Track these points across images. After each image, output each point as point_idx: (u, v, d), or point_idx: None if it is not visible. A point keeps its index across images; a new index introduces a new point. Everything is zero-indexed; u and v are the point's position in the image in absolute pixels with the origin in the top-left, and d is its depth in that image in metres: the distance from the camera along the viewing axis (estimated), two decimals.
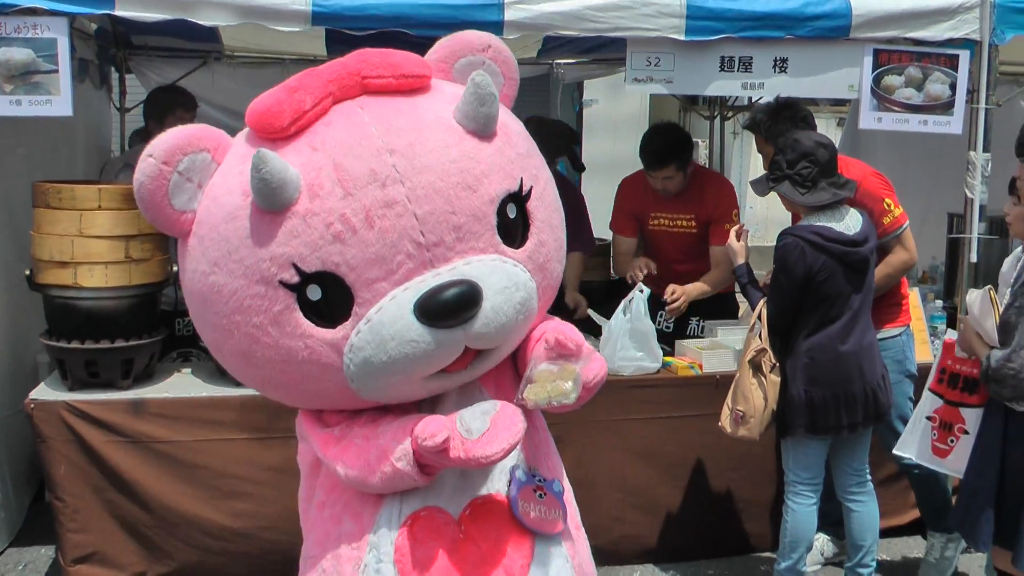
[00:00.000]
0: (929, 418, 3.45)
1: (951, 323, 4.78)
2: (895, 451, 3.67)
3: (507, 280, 2.21)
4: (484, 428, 2.16)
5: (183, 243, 2.27)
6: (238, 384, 3.97)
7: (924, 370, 3.95)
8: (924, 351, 4.57)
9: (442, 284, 2.11)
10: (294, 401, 2.41)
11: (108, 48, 6.17)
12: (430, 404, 2.38)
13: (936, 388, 3.44)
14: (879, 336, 4.03)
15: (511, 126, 2.37)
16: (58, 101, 3.95)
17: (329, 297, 2.13)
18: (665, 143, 4.88)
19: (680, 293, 4.75)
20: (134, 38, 6.32)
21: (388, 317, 2.11)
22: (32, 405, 3.98)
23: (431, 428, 2.14)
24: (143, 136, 5.20)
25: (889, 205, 4.19)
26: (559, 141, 5.58)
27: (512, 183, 2.27)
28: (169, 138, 2.18)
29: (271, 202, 2.07)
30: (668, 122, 5.43)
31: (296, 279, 2.10)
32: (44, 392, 4.11)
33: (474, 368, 2.30)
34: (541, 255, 2.34)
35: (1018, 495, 3.10)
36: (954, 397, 3.40)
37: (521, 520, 2.34)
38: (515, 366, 2.50)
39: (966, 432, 3.40)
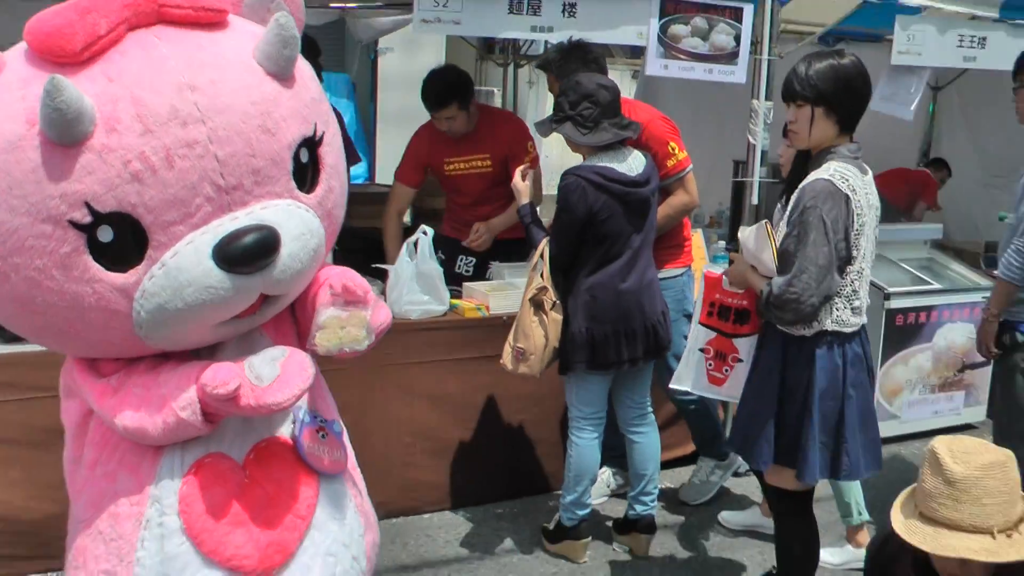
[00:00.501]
0: (702, 350, 3.56)
1: None
2: (671, 385, 3.77)
3: (303, 227, 2.17)
4: (275, 374, 2.13)
5: None
6: (5, 340, 3.74)
7: None
8: None
9: (241, 229, 2.04)
10: (70, 348, 2.27)
11: None
12: (208, 350, 2.30)
13: (708, 322, 3.54)
14: (661, 276, 4.13)
15: (304, 70, 2.30)
16: None
17: (121, 240, 2.00)
18: (444, 83, 4.87)
19: (483, 228, 4.74)
20: None
21: (185, 262, 2.02)
22: None
23: (222, 376, 2.08)
24: None
25: (673, 148, 4.29)
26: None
27: (307, 128, 2.22)
28: None
29: (64, 135, 1.91)
30: (447, 64, 5.42)
31: (88, 219, 1.96)
32: None
33: (263, 313, 2.25)
34: (330, 201, 2.31)
35: (797, 416, 3.25)
36: (727, 328, 3.51)
37: (307, 461, 2.34)
38: (292, 310, 2.46)
39: (740, 360, 3.52)
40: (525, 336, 3.82)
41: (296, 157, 2.19)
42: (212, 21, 2.17)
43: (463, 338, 4.42)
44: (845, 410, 3.24)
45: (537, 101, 10.89)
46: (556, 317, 3.82)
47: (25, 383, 3.72)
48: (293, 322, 2.49)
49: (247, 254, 2.03)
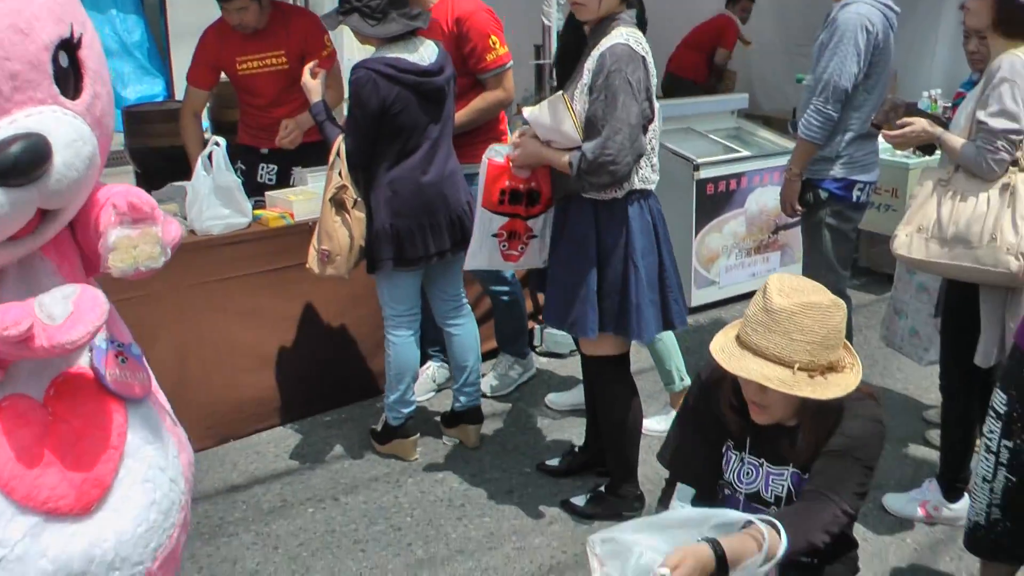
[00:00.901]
0: (495, 235, 3.53)
1: None
2: (465, 267, 3.73)
3: (74, 133, 2.02)
4: (67, 312, 1.99)
5: None
6: None
7: None
8: None
9: (7, 138, 1.87)
10: None
11: None
12: None
13: (501, 209, 3.49)
14: (469, 170, 4.06)
15: None
16: None
17: None
18: None
19: (291, 124, 4.58)
20: None
21: None
22: None
23: (12, 316, 1.93)
24: None
25: (494, 43, 4.19)
26: None
27: (63, 28, 2.05)
28: None
29: None
30: None
31: None
32: None
33: (41, 233, 2.10)
34: (98, 108, 2.15)
35: (620, 278, 3.29)
36: (521, 211, 3.49)
37: (110, 388, 2.24)
38: (73, 234, 2.32)
39: (534, 236, 3.53)
40: (329, 237, 3.72)
41: (55, 61, 2.03)
42: None
43: (271, 248, 4.27)
44: (664, 263, 3.36)
45: None
46: (359, 215, 3.73)
47: None
48: (76, 248, 2.34)
49: (18, 164, 1.88)
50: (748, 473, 2.34)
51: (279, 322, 4.40)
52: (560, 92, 3.34)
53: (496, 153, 3.48)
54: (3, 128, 1.91)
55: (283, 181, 4.80)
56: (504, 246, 3.53)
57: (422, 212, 3.75)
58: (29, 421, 2.13)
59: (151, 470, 2.30)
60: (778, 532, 2.04)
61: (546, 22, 5.00)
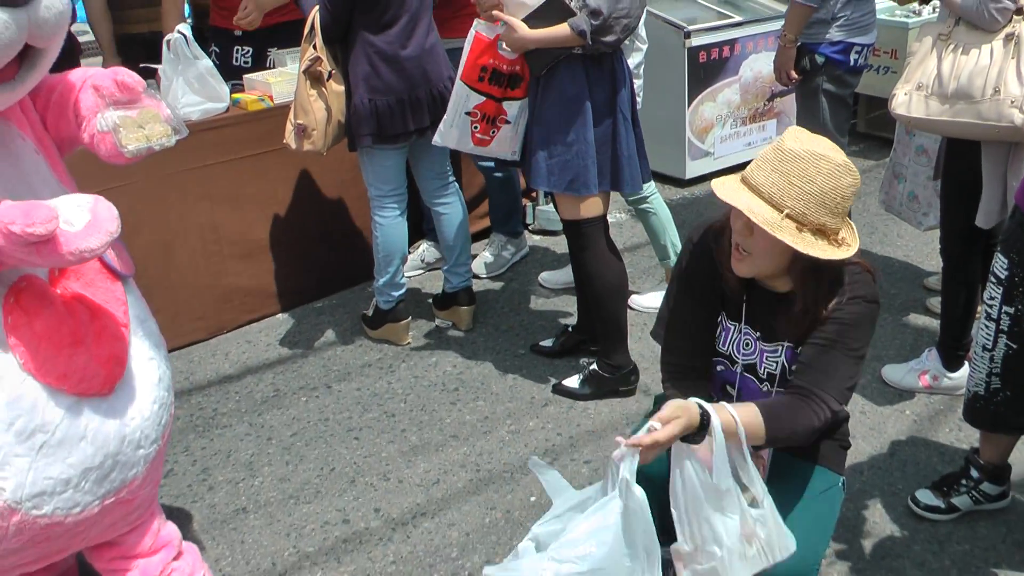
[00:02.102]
0: (469, 113, 3.40)
1: None
2: (433, 142, 3.60)
3: None
4: (86, 220, 1.94)
5: None
6: None
7: None
8: None
9: None
10: None
11: None
12: None
13: (480, 87, 3.36)
14: (452, 45, 3.90)
15: None
16: None
17: None
18: None
19: (250, 4, 4.35)
20: None
21: None
22: None
23: (41, 214, 1.85)
24: None
25: None
26: None
27: None
28: None
29: None
30: None
31: None
32: None
33: (23, 80, 2.05)
34: None
35: (612, 133, 3.27)
36: (497, 93, 3.37)
37: (111, 264, 2.27)
38: (43, 119, 2.26)
39: (507, 122, 3.42)
40: (304, 111, 3.59)
41: None
42: None
43: (252, 133, 4.14)
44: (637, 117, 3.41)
45: None
46: (337, 88, 3.60)
47: None
48: (39, 121, 2.27)
49: None
50: (747, 344, 2.26)
51: (265, 208, 4.30)
52: None
53: (485, 28, 3.33)
54: None
55: (259, 63, 4.62)
56: (476, 127, 3.42)
57: (402, 87, 3.62)
58: (49, 299, 2.10)
59: (152, 347, 2.34)
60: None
61: None
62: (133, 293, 2.36)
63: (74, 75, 2.26)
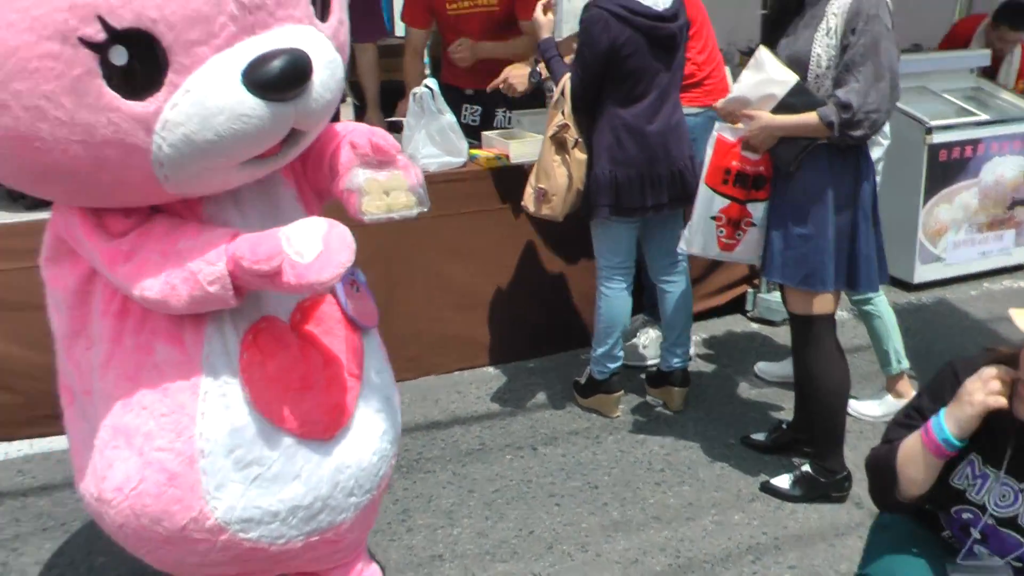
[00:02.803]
0: (715, 218, 3.37)
1: None
2: (678, 249, 3.59)
3: (329, 54, 2.01)
4: (317, 250, 1.96)
5: None
6: (25, 208, 3.72)
7: None
8: None
9: (272, 52, 1.85)
10: (78, 195, 2.03)
11: None
12: (231, 198, 2.15)
13: (724, 190, 3.33)
14: (690, 111, 3.91)
15: None
16: None
17: (137, 62, 1.78)
18: None
19: (466, 42, 4.48)
20: None
21: (214, 88, 1.82)
22: None
23: (263, 250, 1.92)
24: None
25: None
26: None
27: None
28: None
29: None
30: None
31: (102, 36, 1.73)
32: None
33: (286, 154, 2.09)
34: (342, 34, 2.14)
35: (852, 228, 3.18)
36: (742, 195, 3.33)
37: (352, 316, 2.29)
38: (302, 165, 2.34)
39: (753, 224, 3.35)
40: (547, 175, 3.64)
41: None
42: None
43: (485, 189, 4.25)
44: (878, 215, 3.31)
45: None
46: (580, 156, 3.63)
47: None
48: (301, 167, 2.35)
49: (283, 77, 1.86)
50: (1005, 496, 2.06)
51: (488, 263, 4.38)
52: (759, 47, 3.22)
53: (728, 130, 3.31)
54: (266, 41, 1.89)
55: (487, 122, 4.77)
56: (721, 232, 3.38)
57: (644, 162, 3.63)
58: (285, 343, 2.18)
59: (381, 399, 2.38)
60: None
61: None
62: (373, 344, 2.42)
63: (335, 129, 2.32)
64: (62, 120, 1.80)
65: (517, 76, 4.12)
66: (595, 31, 3.50)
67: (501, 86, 4.15)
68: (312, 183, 2.35)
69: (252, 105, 1.85)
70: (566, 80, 3.63)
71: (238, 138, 1.88)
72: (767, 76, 3.15)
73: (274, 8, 1.91)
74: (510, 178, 4.18)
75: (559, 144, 3.62)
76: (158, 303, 2.02)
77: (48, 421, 3.73)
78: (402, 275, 4.15)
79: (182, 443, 2.08)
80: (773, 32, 3.38)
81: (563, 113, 3.61)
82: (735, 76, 4.67)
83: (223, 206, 2.16)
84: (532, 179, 3.73)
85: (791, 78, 3.10)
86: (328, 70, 1.99)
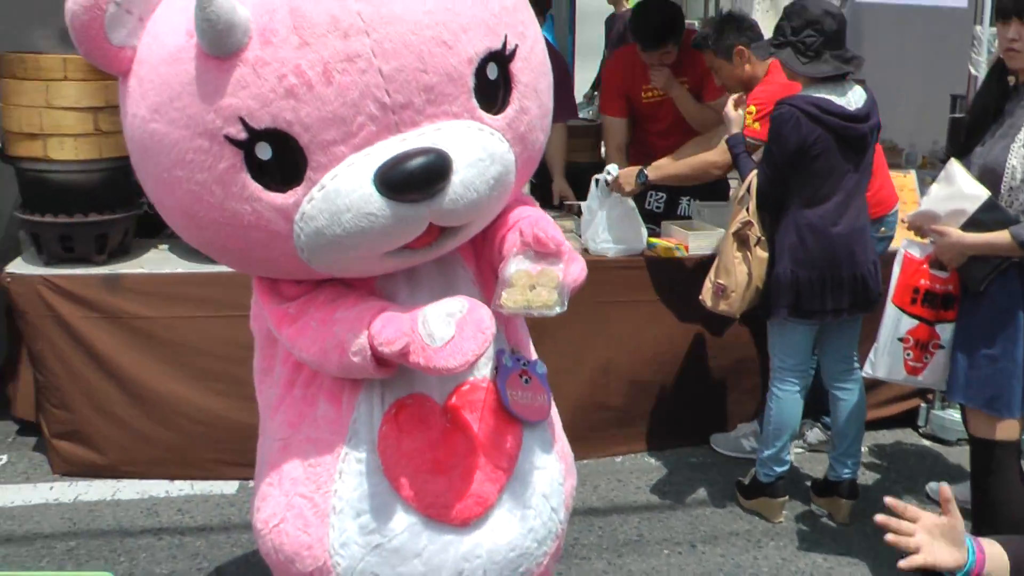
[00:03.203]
0: (901, 339, 3.28)
1: None
2: (863, 372, 3.50)
3: (482, 151, 1.97)
4: (448, 335, 1.96)
5: (123, 83, 2.02)
6: (214, 261, 3.87)
7: None
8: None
9: (407, 152, 1.87)
10: (242, 266, 2.21)
11: None
12: (405, 274, 2.20)
13: (913, 310, 3.26)
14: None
15: None
16: None
17: (280, 158, 1.90)
18: (661, 21, 4.56)
19: (663, 75, 4.54)
20: None
21: (344, 186, 1.88)
22: (8, 278, 3.90)
23: (388, 333, 1.96)
24: None
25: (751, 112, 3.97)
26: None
27: (495, 40, 2.00)
28: None
29: (217, 46, 1.82)
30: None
31: (243, 135, 1.87)
32: (20, 266, 4.01)
33: (440, 246, 2.09)
34: (523, 123, 2.09)
35: None
36: (931, 316, 3.24)
37: (510, 409, 2.23)
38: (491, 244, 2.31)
39: (941, 347, 3.26)
40: (727, 272, 3.62)
41: (480, 73, 1.98)
42: None
43: (660, 278, 4.24)
44: None
45: None
46: (761, 255, 3.60)
47: (226, 301, 3.86)
48: (494, 250, 2.30)
49: (411, 180, 1.86)
50: None
51: (657, 351, 4.34)
52: (951, 160, 3.13)
53: (916, 247, 3.23)
54: (409, 141, 1.90)
55: (670, 210, 4.77)
56: (908, 355, 3.30)
57: (827, 264, 3.56)
58: (428, 425, 2.17)
59: (534, 496, 2.30)
60: None
61: (972, 71, 4.61)
62: (540, 438, 2.34)
63: (515, 211, 2.28)
64: (213, 205, 1.95)
65: (625, 177, 4.10)
66: (786, 130, 3.47)
67: (610, 184, 4.13)
68: (485, 259, 2.34)
69: (379, 205, 1.88)
70: (752, 177, 3.62)
71: (365, 235, 1.91)
72: (957, 190, 3.05)
73: (423, 106, 1.91)
74: (686, 269, 4.18)
75: (741, 241, 3.61)
76: (314, 364, 2.12)
77: (209, 465, 4.03)
78: (570, 358, 4.16)
79: (320, 496, 2.16)
80: (968, 138, 3.31)
81: (747, 210, 3.60)
82: (921, 183, 4.61)
83: (395, 280, 2.20)
84: (712, 274, 3.71)
85: (982, 193, 3.01)
86: (475, 169, 1.95)
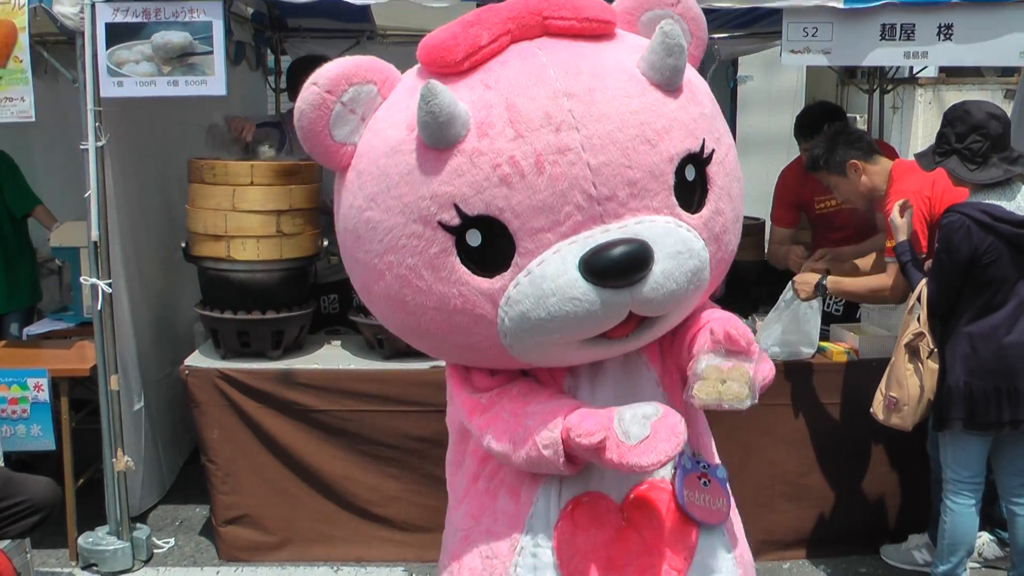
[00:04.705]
0: None
1: None
2: None
3: (681, 245, 2.08)
4: (643, 435, 2.03)
5: (340, 177, 2.22)
6: (384, 358, 4.16)
7: None
8: None
9: (611, 241, 2.00)
10: (440, 352, 2.35)
11: (264, 31, 6.29)
12: (589, 372, 2.28)
13: None
14: None
15: (697, 84, 2.24)
16: (213, 81, 4.03)
17: (489, 244, 2.03)
18: (822, 113, 4.74)
19: (829, 254, 4.54)
20: (289, 20, 6.42)
21: (551, 271, 2.01)
22: (187, 371, 4.17)
23: (587, 426, 2.04)
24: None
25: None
26: None
27: (694, 143, 2.13)
28: (334, 67, 2.11)
29: (437, 138, 1.99)
30: (821, 100, 5.26)
31: (456, 221, 2.01)
32: (198, 359, 4.29)
33: (637, 337, 2.18)
34: (718, 224, 2.20)
35: None
36: None
37: (686, 511, 2.27)
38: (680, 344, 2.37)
39: None
40: (899, 385, 3.60)
41: (680, 172, 2.11)
42: (598, 32, 2.15)
43: (829, 381, 4.24)
44: None
45: (902, 127, 10.27)
46: (933, 366, 3.57)
47: (393, 395, 4.11)
48: (679, 354, 2.37)
49: (615, 266, 1.97)
50: None
51: (825, 455, 4.32)
52: None
53: None
54: (611, 231, 2.01)
55: (850, 313, 4.76)
56: None
57: (1001, 374, 3.51)
58: (604, 523, 2.23)
59: None
60: None
61: None
62: (718, 542, 2.35)
63: (705, 312, 2.34)
64: (422, 289, 2.09)
65: (802, 285, 4.11)
66: (956, 239, 3.47)
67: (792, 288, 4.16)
68: (672, 359, 2.39)
69: (584, 289, 1.98)
70: (922, 286, 3.61)
71: (569, 319, 2.01)
72: None
73: (626, 199, 2.03)
74: (858, 373, 4.15)
75: (913, 352, 3.59)
76: (501, 455, 2.19)
77: (376, 544, 4.27)
78: (736, 460, 4.14)
79: None
80: None
81: (918, 320, 3.58)
82: None
83: (580, 379, 2.29)
84: (883, 386, 3.70)
85: None
86: (675, 261, 2.05)
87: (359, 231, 2.15)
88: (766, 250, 5.16)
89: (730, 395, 2.12)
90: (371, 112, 2.16)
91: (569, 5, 2.13)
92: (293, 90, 5.32)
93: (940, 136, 3.64)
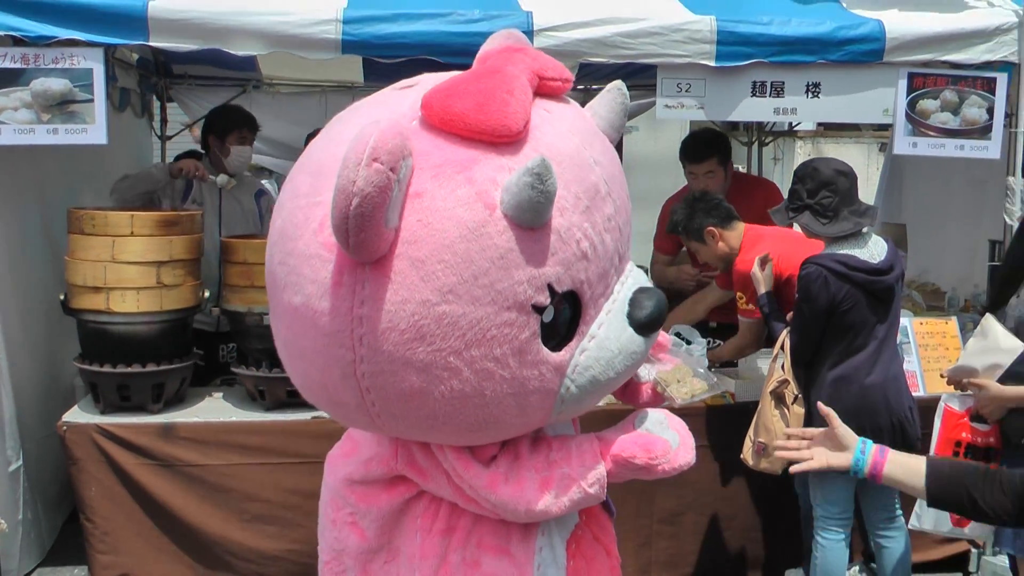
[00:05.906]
0: None
1: None
2: (909, 526, 3.58)
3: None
4: (677, 438, 2.16)
5: (377, 269, 1.82)
6: (265, 409, 4.13)
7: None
8: None
9: (641, 290, 2.11)
10: (476, 438, 2.11)
11: (149, 77, 6.19)
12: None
13: None
14: None
15: None
16: (93, 129, 4.03)
17: (558, 318, 1.98)
18: (705, 138, 4.96)
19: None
20: (174, 67, 6.40)
21: (612, 332, 2.05)
22: (64, 427, 4.07)
23: (660, 447, 2.12)
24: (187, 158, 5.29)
25: (740, 297, 4.21)
26: None
27: None
28: (390, 138, 1.73)
29: (542, 218, 1.87)
30: (706, 127, 5.45)
31: (547, 301, 1.92)
32: (76, 415, 4.19)
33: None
34: None
35: None
36: None
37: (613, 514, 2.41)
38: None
39: None
40: (766, 430, 3.73)
41: None
42: (561, 92, 2.15)
43: (706, 425, 4.33)
44: None
45: (783, 179, 10.65)
46: (798, 411, 3.72)
47: (276, 448, 4.09)
48: None
49: (659, 316, 2.08)
50: None
51: (700, 495, 4.45)
52: (985, 316, 3.28)
53: (956, 400, 3.34)
54: (626, 284, 2.11)
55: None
56: None
57: (864, 413, 3.65)
58: (597, 550, 2.29)
59: None
60: None
61: (1008, 220, 4.76)
62: None
63: None
64: (505, 378, 1.93)
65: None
66: (814, 289, 3.62)
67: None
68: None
69: (639, 343, 2.07)
70: (784, 336, 3.76)
71: (627, 372, 2.11)
72: (993, 344, 3.17)
73: (626, 253, 2.16)
74: (733, 415, 4.24)
75: (778, 399, 3.73)
76: (540, 514, 2.11)
77: None
78: (616, 497, 4.23)
79: None
80: (1003, 289, 3.42)
81: (783, 368, 3.73)
82: (962, 328, 4.68)
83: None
84: (751, 432, 3.82)
85: (1018, 346, 3.12)
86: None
87: (426, 330, 1.84)
88: (649, 274, 5.27)
89: (697, 390, 2.53)
90: (404, 189, 1.83)
91: (552, 64, 2.11)
92: (212, 132, 5.20)
93: (792, 193, 3.80)
